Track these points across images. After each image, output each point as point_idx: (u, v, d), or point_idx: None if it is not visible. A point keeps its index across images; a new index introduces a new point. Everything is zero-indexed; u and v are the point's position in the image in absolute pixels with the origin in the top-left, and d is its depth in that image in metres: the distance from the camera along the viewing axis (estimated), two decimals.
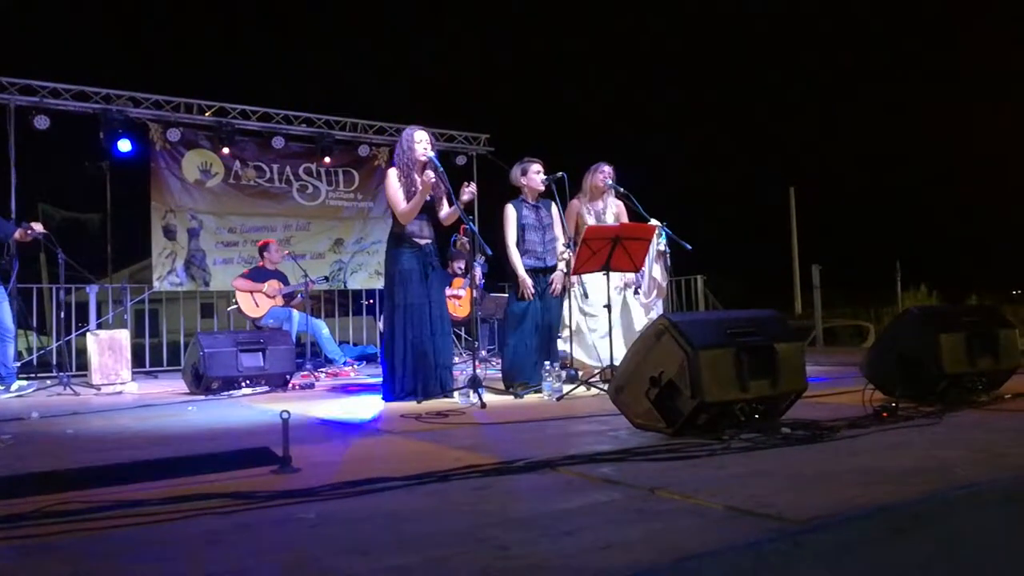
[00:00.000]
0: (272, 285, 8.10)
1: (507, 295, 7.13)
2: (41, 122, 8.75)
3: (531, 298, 5.37)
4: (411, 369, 4.99)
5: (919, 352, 3.71)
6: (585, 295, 5.60)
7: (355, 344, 10.64)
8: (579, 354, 5.61)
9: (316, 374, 7.43)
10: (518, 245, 5.46)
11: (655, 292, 6.08)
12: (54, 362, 8.15)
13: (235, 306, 8.14)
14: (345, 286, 11.09)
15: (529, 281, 5.36)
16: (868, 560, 1.74)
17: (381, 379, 5.31)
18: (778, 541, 1.66)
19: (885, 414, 3.19)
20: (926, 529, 1.87)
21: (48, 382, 7.04)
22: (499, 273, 9.79)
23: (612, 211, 5.89)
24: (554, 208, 5.60)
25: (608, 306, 5.14)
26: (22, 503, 2.10)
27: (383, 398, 5.07)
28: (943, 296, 14.91)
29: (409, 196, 5.05)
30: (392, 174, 5.14)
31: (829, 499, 1.93)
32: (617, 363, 4.82)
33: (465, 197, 4.98)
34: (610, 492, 2.15)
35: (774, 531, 1.70)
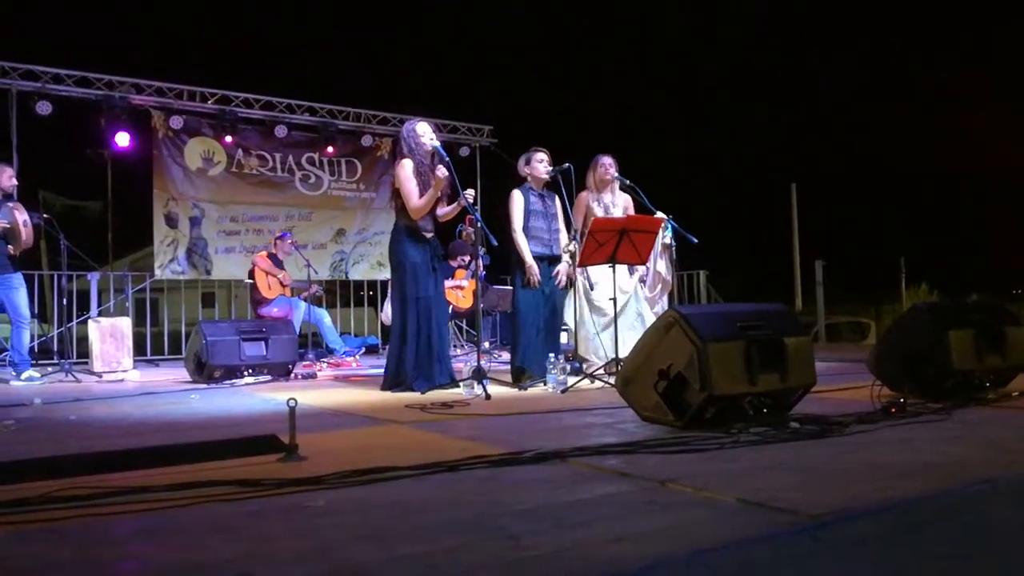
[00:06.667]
0: (287, 276, 8.22)
1: (510, 287, 7.06)
2: (43, 108, 8.71)
3: (536, 285, 5.32)
4: (423, 360, 5.00)
5: (928, 349, 3.68)
6: (591, 287, 5.57)
7: (356, 335, 10.63)
8: (583, 347, 5.59)
9: (319, 364, 7.42)
10: (524, 231, 5.42)
11: (660, 286, 6.06)
12: (55, 349, 8.13)
13: (251, 281, 8.18)
14: (347, 277, 11.06)
15: (535, 268, 5.31)
16: (884, 555, 1.72)
17: (383, 370, 5.29)
18: (793, 535, 1.64)
19: (894, 410, 3.17)
20: (942, 525, 1.85)
21: (49, 369, 7.02)
22: (502, 265, 9.77)
23: (621, 204, 5.83)
24: (558, 200, 5.57)
25: (614, 299, 5.11)
26: (27, 488, 2.08)
27: (385, 388, 5.05)
28: (944, 294, 14.91)
29: (423, 191, 5.02)
30: (407, 165, 5.07)
31: (843, 494, 1.91)
32: (622, 356, 4.81)
33: (463, 202, 4.98)
34: (621, 484, 2.14)
35: (788, 525, 1.68)
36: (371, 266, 11.02)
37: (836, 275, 13.14)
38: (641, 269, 5.86)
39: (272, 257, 8.35)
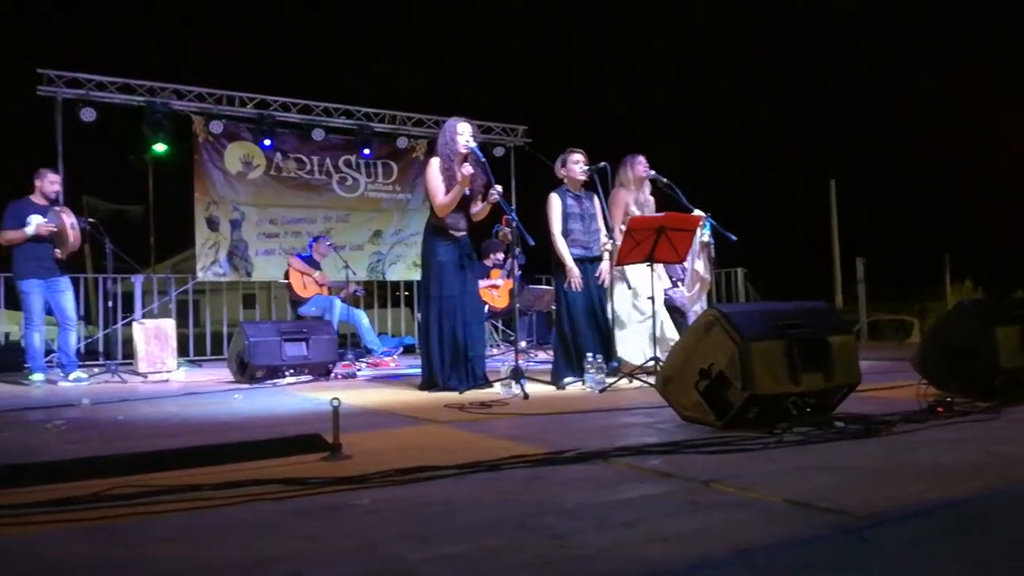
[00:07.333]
0: (322, 275, 8.32)
1: (547, 287, 7.04)
2: (87, 114, 8.87)
3: (579, 288, 5.32)
4: (448, 360, 5.02)
5: (974, 346, 3.61)
6: (629, 286, 5.54)
7: (393, 335, 10.71)
8: (620, 347, 5.55)
9: (358, 364, 7.49)
10: (563, 235, 5.42)
11: (698, 285, 6.00)
12: (101, 350, 8.28)
13: (287, 282, 8.32)
14: (384, 277, 11.15)
15: (576, 271, 5.32)
16: (933, 556, 1.69)
17: (420, 370, 5.33)
18: (841, 536, 1.62)
19: (941, 409, 3.11)
20: (992, 525, 1.82)
21: (96, 370, 7.17)
22: (538, 265, 9.75)
23: (651, 204, 5.82)
24: (596, 199, 5.55)
25: (652, 298, 5.08)
26: (77, 487, 2.13)
27: (422, 388, 5.08)
28: (988, 291, 14.56)
29: (449, 188, 5.04)
30: (434, 164, 5.13)
31: (891, 494, 1.88)
32: (661, 355, 4.78)
33: (492, 198, 4.99)
34: (663, 484, 2.13)
35: (836, 526, 1.66)
36: (407, 267, 11.08)
37: (878, 272, 12.87)
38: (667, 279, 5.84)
39: (307, 259, 8.45)
